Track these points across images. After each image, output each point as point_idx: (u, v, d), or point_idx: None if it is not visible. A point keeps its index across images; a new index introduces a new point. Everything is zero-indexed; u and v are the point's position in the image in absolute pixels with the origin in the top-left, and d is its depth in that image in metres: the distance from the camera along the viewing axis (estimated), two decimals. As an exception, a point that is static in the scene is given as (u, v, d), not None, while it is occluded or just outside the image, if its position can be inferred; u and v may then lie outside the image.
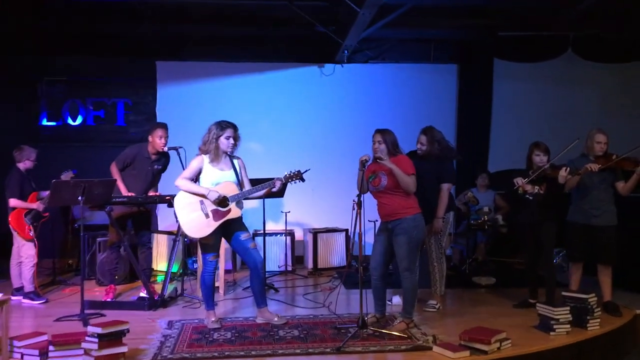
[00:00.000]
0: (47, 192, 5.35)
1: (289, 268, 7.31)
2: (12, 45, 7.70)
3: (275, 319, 4.87)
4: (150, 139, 5.76)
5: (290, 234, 7.47)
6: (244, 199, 4.84)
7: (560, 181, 4.97)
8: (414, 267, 4.65)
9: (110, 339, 3.86)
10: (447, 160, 5.30)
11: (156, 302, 5.44)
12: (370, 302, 4.87)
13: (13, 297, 5.81)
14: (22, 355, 3.93)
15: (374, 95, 8.24)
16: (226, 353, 4.13)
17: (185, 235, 5.20)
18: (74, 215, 7.25)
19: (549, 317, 4.56)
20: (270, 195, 5.02)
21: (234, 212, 4.73)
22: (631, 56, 8.22)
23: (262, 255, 5.56)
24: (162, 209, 7.57)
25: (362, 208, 4.50)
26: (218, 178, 4.76)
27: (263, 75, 8.13)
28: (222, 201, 4.69)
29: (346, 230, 7.62)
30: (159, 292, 5.66)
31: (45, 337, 4.05)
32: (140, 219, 5.94)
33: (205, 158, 4.78)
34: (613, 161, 4.99)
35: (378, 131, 4.74)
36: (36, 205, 5.75)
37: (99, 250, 6.71)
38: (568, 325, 4.56)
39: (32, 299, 5.72)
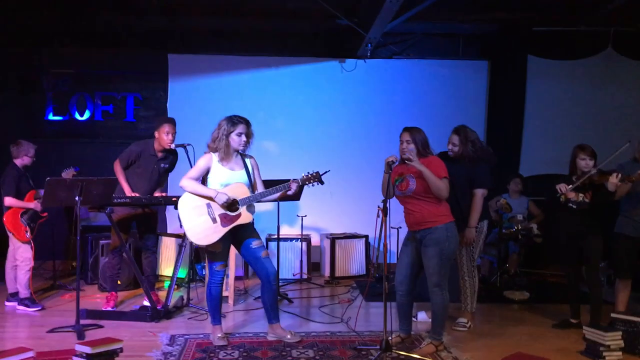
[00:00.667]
0: (47, 191, 4.93)
1: (304, 276, 6.83)
2: (18, 35, 7.34)
3: (289, 336, 4.39)
4: (156, 135, 5.32)
5: (306, 239, 7.00)
6: (256, 202, 4.37)
7: (610, 188, 4.42)
8: (445, 283, 4.14)
9: (101, 359, 3.41)
10: (481, 162, 4.79)
11: (159, 313, 5.00)
12: (394, 319, 4.34)
13: (7, 303, 5.47)
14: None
15: (398, 92, 7.73)
16: (232, 377, 3.67)
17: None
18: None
19: (597, 342, 4.03)
20: (285, 198, 4.54)
21: (245, 216, 4.26)
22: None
23: (275, 265, 5.11)
24: (170, 210, 7.12)
25: (388, 215, 4.00)
26: (228, 179, 4.29)
27: (279, 70, 7.68)
28: (232, 204, 4.22)
29: (366, 237, 7.14)
30: (164, 300, 5.23)
31: (30, 354, 3.60)
32: (145, 222, 5.49)
33: (214, 156, 4.32)
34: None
35: (406, 129, 4.24)
36: (33, 205, 5.36)
37: (102, 254, 6.29)
38: (620, 353, 4.04)
39: (28, 306, 5.31)
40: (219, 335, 4.33)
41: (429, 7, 6.35)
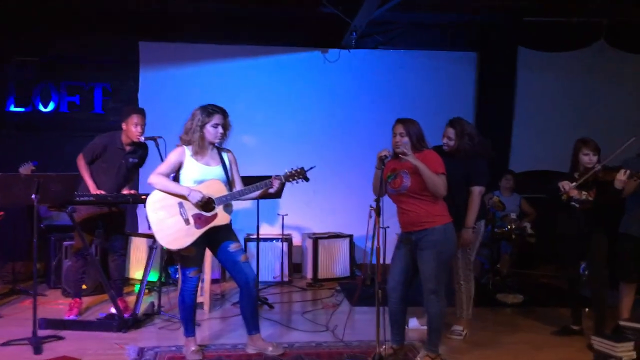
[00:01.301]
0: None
1: (286, 279, 6.43)
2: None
3: (270, 348, 3.99)
4: (124, 126, 4.86)
5: (288, 239, 6.60)
6: (234, 201, 3.95)
7: (617, 186, 4.09)
8: (442, 289, 3.77)
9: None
10: (478, 157, 4.44)
11: (127, 322, 4.55)
12: (385, 327, 3.95)
13: (-42, 312, 4.97)
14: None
15: (384, 84, 7.35)
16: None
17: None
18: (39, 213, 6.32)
19: (608, 354, 3.72)
20: (265, 196, 4.13)
21: (222, 217, 3.83)
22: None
23: (255, 267, 4.71)
24: (141, 208, 6.64)
25: (382, 215, 3.62)
26: (202, 175, 3.86)
27: (258, 60, 7.23)
28: (207, 204, 3.79)
29: (351, 236, 6.75)
30: (133, 306, 4.79)
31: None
32: (112, 222, 5.01)
33: (187, 150, 3.89)
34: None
35: (400, 121, 3.87)
36: (-14, 203, 4.86)
37: (66, 256, 5.80)
38: (632, 365, 3.72)
39: (-19, 315, 4.83)
40: (193, 348, 3.90)
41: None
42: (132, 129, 4.80)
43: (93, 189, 4.76)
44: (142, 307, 4.90)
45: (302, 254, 6.90)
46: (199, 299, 4.92)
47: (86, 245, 4.74)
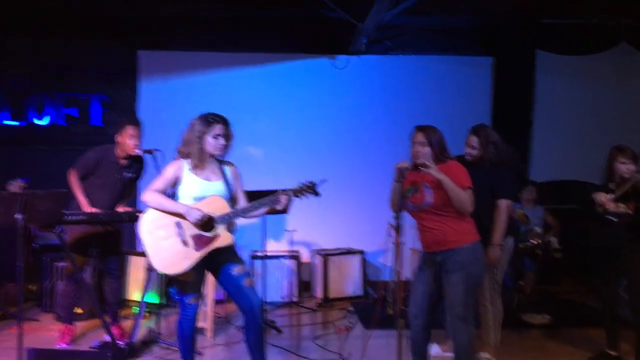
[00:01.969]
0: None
1: (294, 299, 6.04)
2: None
3: (279, 382, 3.60)
4: (118, 139, 4.51)
5: (296, 256, 6.21)
6: (238, 219, 3.57)
7: (661, 198, 3.72)
8: (470, 315, 3.38)
9: None
10: (503, 167, 4.06)
11: (123, 352, 4.18)
12: (404, 354, 3.56)
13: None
14: None
15: (395, 91, 7.01)
16: None
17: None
18: (32, 232, 5.98)
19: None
20: (271, 211, 3.75)
21: (224, 238, 3.46)
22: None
23: (261, 291, 4.33)
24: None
25: (401, 234, 3.24)
26: (202, 191, 3.49)
27: (264, 68, 6.91)
28: (207, 223, 3.42)
29: (362, 252, 6.36)
30: (130, 332, 4.43)
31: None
32: (106, 241, 4.64)
33: (186, 164, 3.53)
34: None
35: (419, 129, 3.51)
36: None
37: (60, 278, 5.43)
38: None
39: (-35, 344, 4.46)
40: (193, 383, 3.52)
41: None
42: (127, 141, 4.45)
43: (86, 206, 4.41)
44: (139, 335, 4.52)
45: (311, 272, 6.51)
46: (201, 324, 4.55)
47: (77, 268, 4.37)
